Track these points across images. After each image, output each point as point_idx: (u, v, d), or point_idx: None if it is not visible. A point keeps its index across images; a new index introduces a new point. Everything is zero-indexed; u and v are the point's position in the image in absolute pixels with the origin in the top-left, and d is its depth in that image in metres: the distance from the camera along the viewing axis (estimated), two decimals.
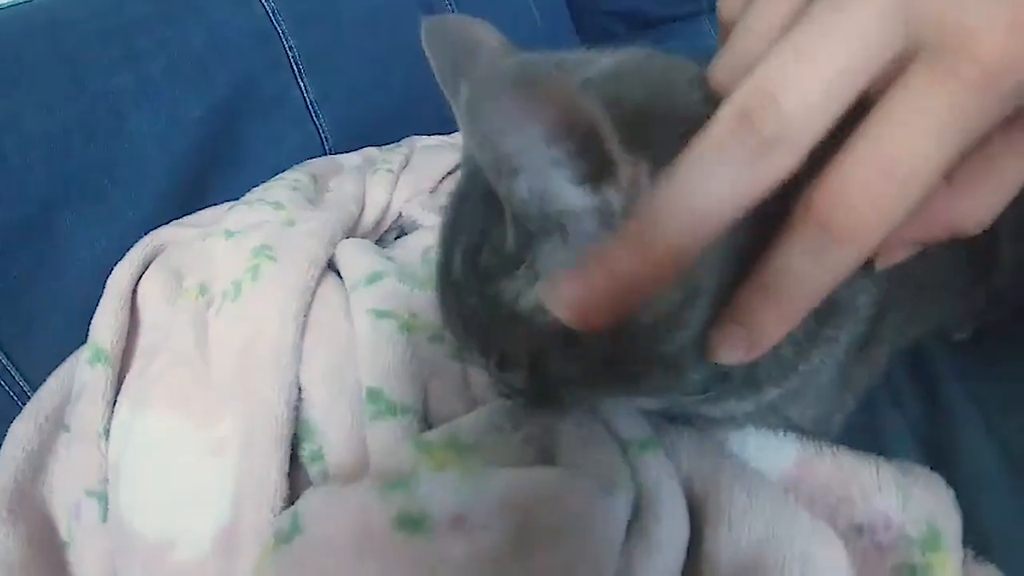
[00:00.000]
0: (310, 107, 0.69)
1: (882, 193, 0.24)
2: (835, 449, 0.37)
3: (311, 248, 0.48)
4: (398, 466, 0.36)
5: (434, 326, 0.44)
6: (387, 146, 0.75)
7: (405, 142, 0.76)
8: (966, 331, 0.48)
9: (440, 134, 0.78)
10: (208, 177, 0.61)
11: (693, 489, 0.35)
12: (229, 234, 0.51)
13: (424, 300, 0.46)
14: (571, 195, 0.27)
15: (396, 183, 0.65)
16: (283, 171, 0.64)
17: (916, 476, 0.35)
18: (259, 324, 0.44)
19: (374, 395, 0.41)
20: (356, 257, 0.49)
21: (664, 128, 0.28)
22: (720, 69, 0.29)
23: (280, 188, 0.58)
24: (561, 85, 0.24)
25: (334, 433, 0.41)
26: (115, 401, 0.46)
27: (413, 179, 0.66)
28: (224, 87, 0.62)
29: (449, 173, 0.71)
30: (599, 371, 0.31)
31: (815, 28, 0.25)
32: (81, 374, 0.47)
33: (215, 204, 0.61)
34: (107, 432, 0.45)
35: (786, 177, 0.25)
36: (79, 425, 0.45)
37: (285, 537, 0.34)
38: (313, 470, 0.41)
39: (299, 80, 0.68)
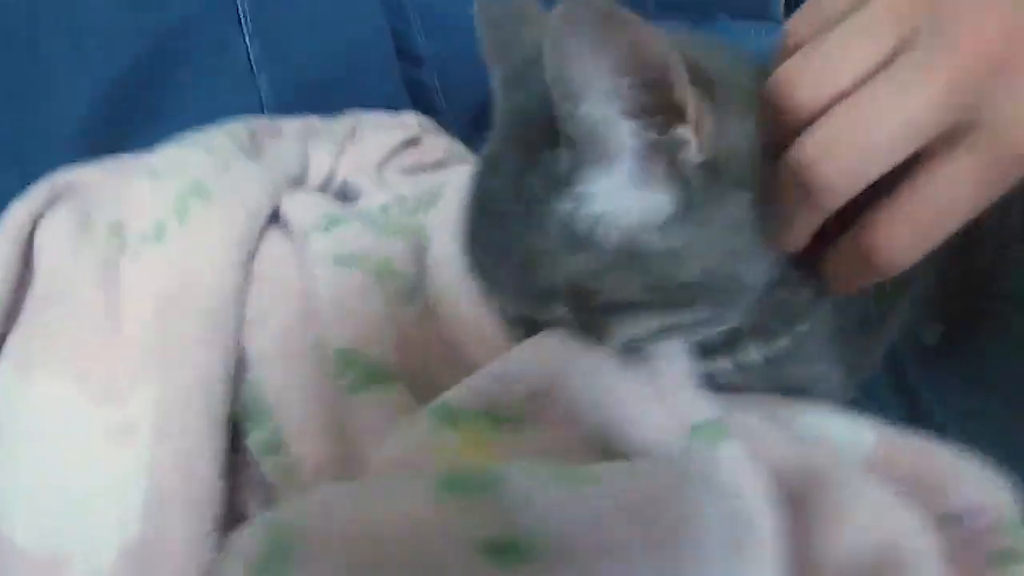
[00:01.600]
0: (252, 64, 0.64)
1: (919, 237, 0.32)
2: (909, 434, 0.35)
3: (252, 191, 0.43)
4: (420, 453, 0.28)
5: (411, 276, 0.39)
6: (329, 117, 0.71)
7: (348, 115, 0.72)
8: (934, 335, 0.48)
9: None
10: (130, 126, 0.55)
11: (788, 484, 0.30)
12: (154, 174, 0.45)
13: (398, 248, 0.40)
14: (622, 127, 0.30)
15: (342, 152, 0.61)
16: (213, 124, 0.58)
17: (982, 463, 0.33)
18: (189, 272, 0.38)
19: (349, 359, 0.35)
20: (307, 204, 0.44)
21: (724, 92, 0.32)
22: (786, 79, 0.32)
23: (215, 134, 0.52)
24: (644, 25, 0.27)
25: (297, 413, 0.35)
26: None
27: (360, 150, 0.62)
28: (159, 29, 0.56)
29: (396, 150, 0.68)
30: (654, 293, 0.31)
31: (880, 105, 0.30)
32: None
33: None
34: None
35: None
36: None
37: (266, 567, 0.22)
38: (268, 464, 0.34)
39: (244, 32, 0.63)
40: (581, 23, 0.27)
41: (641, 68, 0.28)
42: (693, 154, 0.30)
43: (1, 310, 0.39)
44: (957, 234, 0.32)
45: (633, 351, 0.34)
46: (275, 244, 0.42)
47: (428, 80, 0.94)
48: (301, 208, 0.43)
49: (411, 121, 0.77)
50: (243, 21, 0.63)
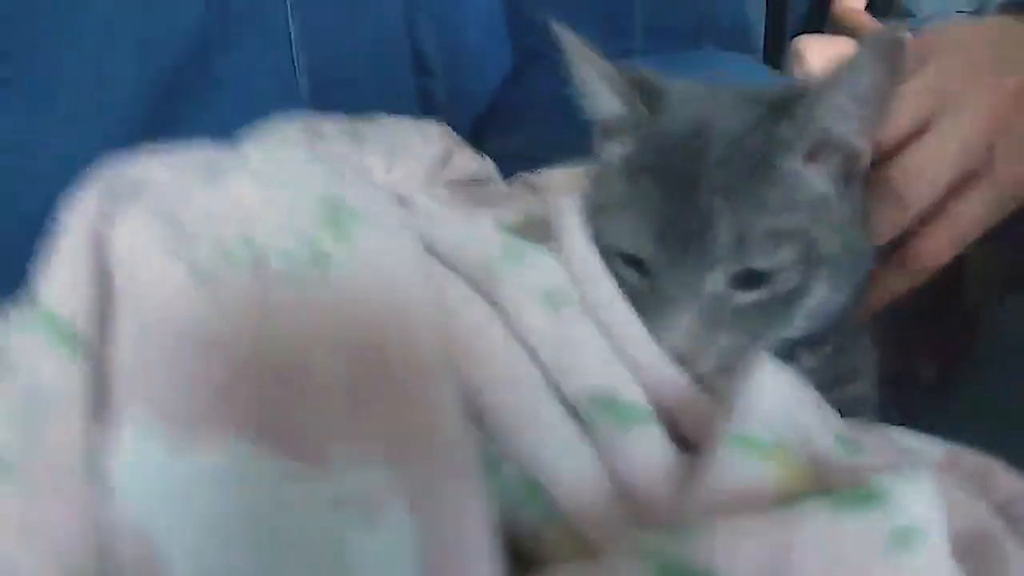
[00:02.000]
0: (293, 48, 0.57)
1: (952, 243, 0.46)
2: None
3: (398, 210, 0.38)
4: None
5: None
6: (356, 119, 0.65)
7: (375, 118, 0.67)
8: (931, 372, 0.55)
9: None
10: (173, 108, 0.48)
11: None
12: (256, 175, 0.38)
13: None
14: (857, 140, 0.42)
15: (394, 162, 0.55)
16: (255, 113, 0.51)
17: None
18: (382, 313, 0.32)
19: (606, 402, 0.33)
20: (464, 224, 0.40)
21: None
22: None
23: (287, 130, 0.46)
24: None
25: (568, 465, 0.31)
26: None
27: (407, 157, 0.57)
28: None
29: (437, 163, 0.63)
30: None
31: (939, 144, 0.45)
32: (26, 362, 0.31)
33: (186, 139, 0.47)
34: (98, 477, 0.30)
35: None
36: (37, 459, 0.29)
37: None
38: (548, 534, 0.31)
39: (287, 14, 0.56)
40: (879, 54, 0.38)
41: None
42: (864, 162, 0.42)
43: (93, 337, 0.32)
44: (947, 281, 0.45)
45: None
46: (446, 280, 0.37)
47: (435, 90, 0.90)
48: (454, 233, 0.38)
49: (435, 130, 0.72)
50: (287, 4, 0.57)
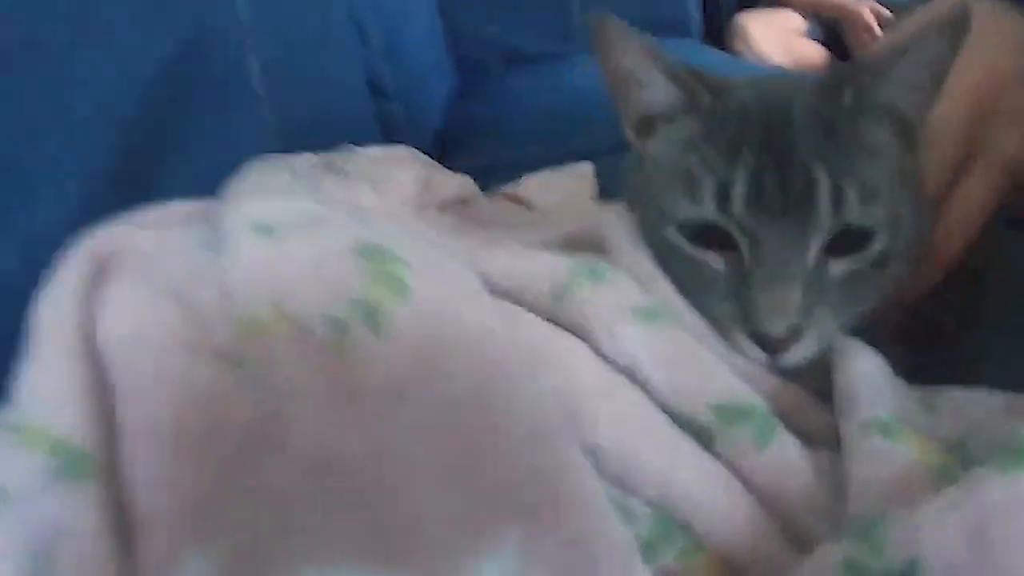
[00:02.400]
0: (256, 89, 0.55)
1: (964, 230, 0.46)
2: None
3: (436, 250, 0.34)
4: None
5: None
6: (326, 154, 0.62)
7: (345, 149, 0.64)
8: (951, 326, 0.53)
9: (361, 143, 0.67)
10: (152, 163, 0.44)
11: None
12: (267, 230, 0.33)
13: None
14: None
15: (379, 194, 0.53)
16: (232, 162, 0.48)
17: None
18: (464, 375, 0.28)
19: (735, 412, 0.31)
20: (524, 251, 0.37)
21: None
22: None
23: (279, 175, 0.43)
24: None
25: (700, 486, 0.30)
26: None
27: (392, 187, 0.55)
28: (173, 44, 0.46)
29: (420, 188, 0.61)
30: None
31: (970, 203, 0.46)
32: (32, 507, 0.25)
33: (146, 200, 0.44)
34: None
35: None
36: None
37: None
38: (678, 561, 0.29)
39: (246, 55, 0.53)
40: (948, 31, 0.38)
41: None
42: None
43: (103, 457, 0.26)
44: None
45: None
46: (518, 316, 0.34)
47: (394, 111, 0.88)
48: (514, 261, 0.36)
49: (407, 154, 0.70)
50: (245, 43, 0.54)
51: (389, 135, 0.85)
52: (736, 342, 0.36)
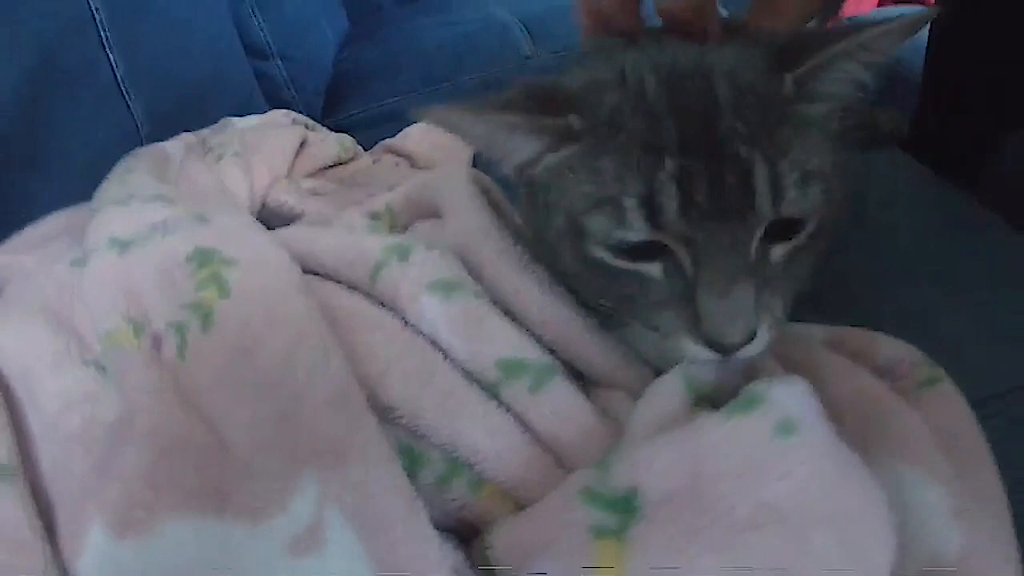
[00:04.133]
0: (119, 82, 0.57)
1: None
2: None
3: (270, 240, 0.39)
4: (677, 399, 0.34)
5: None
6: (202, 131, 0.65)
7: (223, 124, 0.66)
8: None
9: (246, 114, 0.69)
10: (10, 174, 0.47)
11: None
12: (122, 245, 0.38)
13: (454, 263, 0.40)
14: None
15: (248, 168, 0.56)
16: (96, 166, 0.51)
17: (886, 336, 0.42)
18: (275, 354, 0.34)
19: (512, 366, 0.35)
20: (343, 237, 0.41)
21: None
22: None
23: (143, 179, 0.46)
24: None
25: (483, 434, 0.34)
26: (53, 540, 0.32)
27: (262, 161, 0.58)
28: (29, 54, 0.48)
29: (297, 154, 0.64)
30: None
31: None
32: None
33: (17, 213, 0.47)
34: None
35: None
36: None
37: (625, 522, 0.29)
38: (456, 487, 0.34)
39: (107, 50, 0.55)
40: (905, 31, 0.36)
41: None
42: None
43: (16, 465, 0.32)
44: None
45: None
46: (333, 293, 0.38)
47: (275, 72, 0.89)
48: (335, 243, 0.40)
49: (286, 119, 0.72)
50: (104, 39, 0.55)
51: (272, 96, 0.87)
52: (682, 347, 0.35)
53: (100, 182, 0.46)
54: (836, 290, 0.53)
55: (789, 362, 0.38)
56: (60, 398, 0.34)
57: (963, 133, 0.76)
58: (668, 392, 0.35)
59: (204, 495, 0.30)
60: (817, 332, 0.42)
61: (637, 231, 0.34)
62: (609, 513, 0.30)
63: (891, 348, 0.41)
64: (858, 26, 0.35)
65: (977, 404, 0.38)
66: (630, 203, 0.33)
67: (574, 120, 0.35)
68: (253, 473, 0.31)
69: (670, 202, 0.33)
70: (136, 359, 0.34)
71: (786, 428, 0.30)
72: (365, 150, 0.74)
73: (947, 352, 0.40)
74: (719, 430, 0.30)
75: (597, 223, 0.35)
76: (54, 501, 0.33)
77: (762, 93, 0.35)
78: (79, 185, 0.46)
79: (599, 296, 0.37)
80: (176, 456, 0.31)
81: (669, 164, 0.33)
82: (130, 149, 0.52)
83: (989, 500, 0.34)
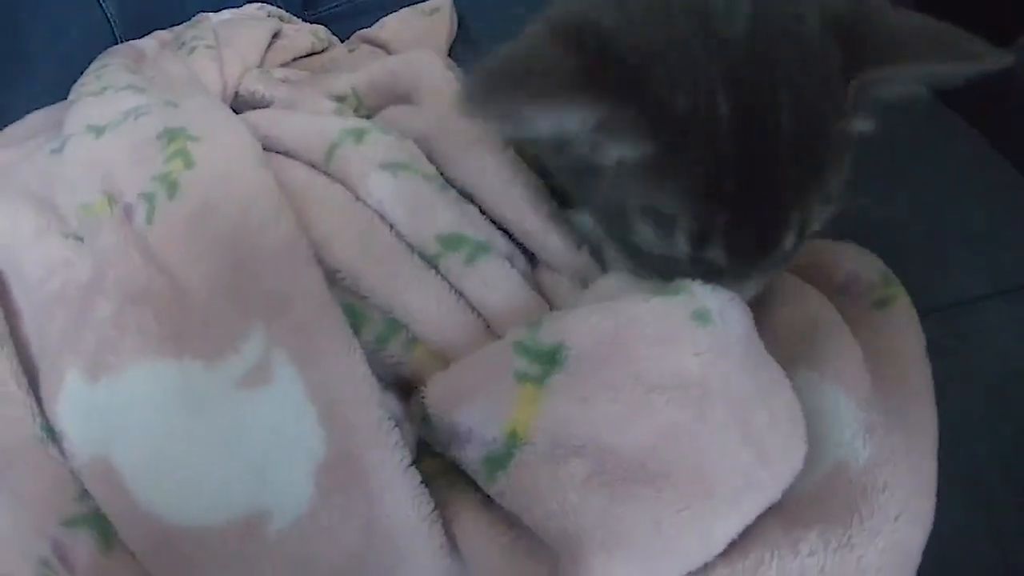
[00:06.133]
0: None
1: None
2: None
3: (234, 120, 0.42)
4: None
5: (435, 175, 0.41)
6: (177, 27, 0.66)
7: (197, 19, 0.68)
8: None
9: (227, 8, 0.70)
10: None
11: None
12: (98, 130, 0.42)
13: (412, 147, 0.42)
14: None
15: (220, 60, 0.58)
16: (71, 68, 0.53)
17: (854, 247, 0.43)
18: (232, 216, 0.37)
19: (452, 241, 0.38)
20: (305, 120, 0.43)
21: None
22: None
23: (117, 72, 0.49)
24: None
25: (408, 296, 0.37)
26: (38, 396, 0.36)
27: (234, 53, 0.59)
28: None
29: (270, 45, 0.65)
30: None
31: None
32: None
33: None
34: (51, 435, 0.35)
35: None
36: None
37: (547, 371, 0.33)
38: (393, 346, 0.37)
39: None
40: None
41: None
42: None
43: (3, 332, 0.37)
44: None
45: None
46: (291, 168, 0.41)
47: None
48: (302, 125, 0.43)
49: (260, 13, 0.73)
50: None
51: None
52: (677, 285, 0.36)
53: (75, 83, 0.49)
54: None
55: None
56: (42, 266, 0.39)
57: None
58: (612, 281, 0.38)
59: (165, 339, 0.35)
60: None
61: (680, 252, 0.35)
62: (535, 363, 0.33)
63: (853, 263, 0.42)
64: (942, 30, 0.34)
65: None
66: (681, 237, 0.34)
67: (643, 122, 0.32)
68: (209, 320, 0.35)
69: (717, 247, 0.34)
70: (108, 223, 0.38)
71: (703, 316, 0.34)
72: (342, 42, 0.75)
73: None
74: (644, 304, 0.34)
75: (643, 225, 0.35)
76: (36, 356, 0.38)
77: (822, 112, 0.33)
78: (53, 86, 0.48)
79: (608, 235, 0.39)
80: (140, 304, 0.35)
81: (722, 217, 0.33)
82: (104, 50, 0.55)
83: (914, 423, 0.37)
